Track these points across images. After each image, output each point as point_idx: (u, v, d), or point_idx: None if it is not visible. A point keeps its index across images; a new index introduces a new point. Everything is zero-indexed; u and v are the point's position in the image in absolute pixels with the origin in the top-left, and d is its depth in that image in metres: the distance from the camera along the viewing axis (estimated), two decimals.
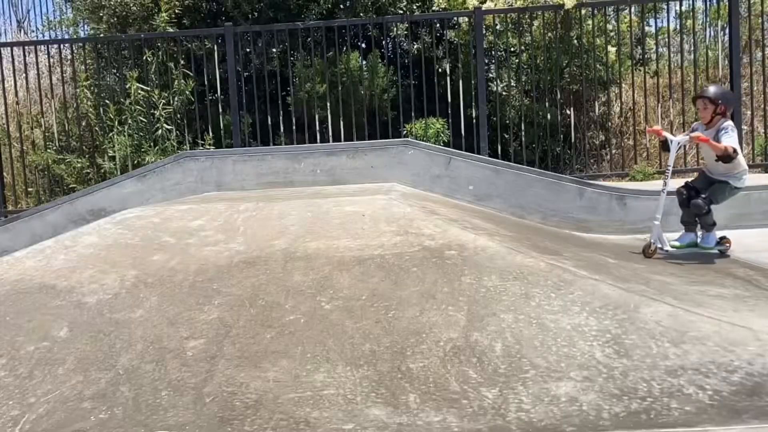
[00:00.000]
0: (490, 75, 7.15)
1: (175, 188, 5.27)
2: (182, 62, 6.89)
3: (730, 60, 6.62)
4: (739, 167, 4.30)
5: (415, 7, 7.60)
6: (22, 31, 11.31)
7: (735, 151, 4.17)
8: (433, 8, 7.39)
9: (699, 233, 4.43)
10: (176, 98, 6.86)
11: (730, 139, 4.15)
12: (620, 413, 2.40)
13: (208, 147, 6.77)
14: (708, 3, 7.14)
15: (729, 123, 4.27)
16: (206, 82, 7.12)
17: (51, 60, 7.63)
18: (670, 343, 2.77)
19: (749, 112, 6.93)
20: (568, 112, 6.98)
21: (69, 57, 7.15)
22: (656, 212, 4.34)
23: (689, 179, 4.63)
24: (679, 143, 4.32)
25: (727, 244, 4.43)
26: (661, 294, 3.21)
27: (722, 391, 2.47)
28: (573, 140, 6.97)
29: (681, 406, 2.41)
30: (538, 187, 5.09)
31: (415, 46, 7.31)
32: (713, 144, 4.13)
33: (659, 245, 4.31)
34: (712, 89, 4.35)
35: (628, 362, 2.69)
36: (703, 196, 4.29)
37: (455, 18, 7.21)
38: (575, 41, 6.87)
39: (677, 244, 4.40)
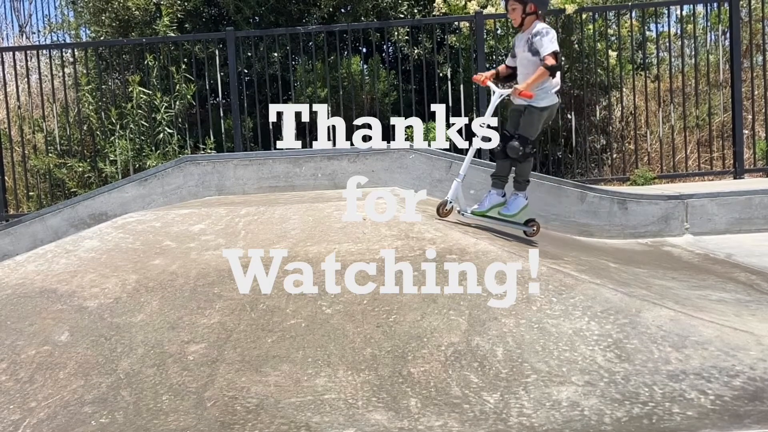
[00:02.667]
0: None
1: (177, 192, 5.27)
2: (184, 66, 6.90)
3: (731, 64, 6.62)
4: (549, 80, 3.96)
5: (416, 11, 7.62)
6: (24, 35, 11.34)
7: (557, 56, 3.87)
8: (434, 13, 7.40)
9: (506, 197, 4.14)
10: (178, 102, 6.87)
11: (547, 45, 3.84)
12: (622, 418, 2.39)
13: (209, 151, 6.77)
14: (709, 7, 7.15)
15: (542, 25, 3.95)
16: (207, 86, 7.14)
17: (53, 64, 7.63)
18: (672, 347, 2.77)
19: (750, 116, 6.93)
20: (569, 116, 6.98)
21: (71, 61, 7.17)
22: (461, 169, 4.05)
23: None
24: (501, 95, 4.01)
25: (534, 228, 4.18)
26: (663, 298, 3.20)
27: (724, 396, 2.47)
28: (574, 144, 6.97)
29: (683, 411, 2.40)
30: (539, 192, 5.08)
31: (416, 51, 7.32)
32: (535, 80, 3.84)
33: (457, 206, 4.06)
34: None
35: (630, 367, 2.68)
36: (516, 136, 3.98)
37: (456, 22, 7.23)
38: (576, 45, 6.88)
39: (479, 209, 4.13)
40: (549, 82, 3.99)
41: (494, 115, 4.19)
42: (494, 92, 4.00)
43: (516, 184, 4.16)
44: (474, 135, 4.08)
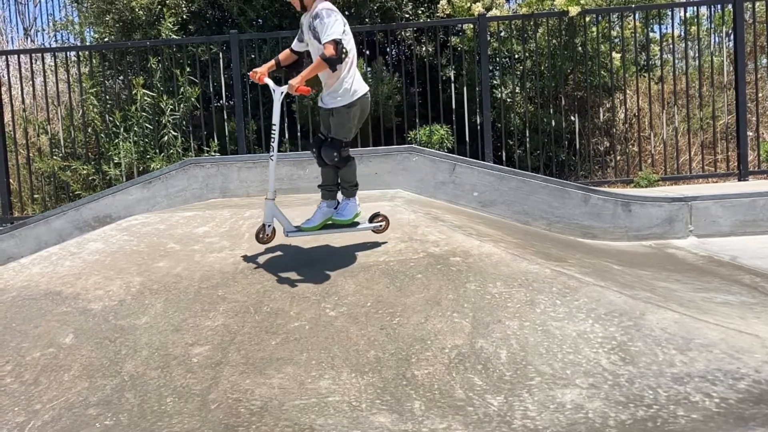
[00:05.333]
0: (495, 82, 7.16)
1: (181, 195, 5.28)
2: (188, 69, 6.91)
3: (735, 66, 6.60)
4: (342, 72, 3.46)
5: (420, 12, 7.62)
6: (29, 38, 11.39)
7: (338, 45, 3.31)
8: (438, 14, 7.40)
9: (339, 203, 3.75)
10: (182, 105, 6.88)
11: (326, 31, 3.31)
12: (626, 421, 2.39)
13: (213, 153, 6.78)
14: (713, 9, 7.14)
15: (324, 5, 3.42)
16: (211, 89, 7.15)
17: (57, 67, 7.66)
18: (677, 350, 2.76)
19: (754, 119, 6.91)
20: (572, 118, 6.97)
21: (74, 61, 7.19)
22: (269, 186, 3.59)
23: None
24: (282, 93, 3.51)
25: (383, 223, 3.80)
26: (667, 301, 3.20)
27: (729, 399, 2.46)
28: (578, 146, 6.96)
29: (687, 414, 2.40)
30: (543, 194, 5.08)
31: (423, 49, 7.32)
32: (309, 73, 3.39)
33: (281, 227, 3.65)
34: None
35: (634, 369, 2.68)
36: (329, 140, 3.57)
37: (460, 25, 7.23)
38: (580, 48, 6.87)
39: (308, 225, 3.68)
40: (344, 74, 3.47)
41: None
42: (274, 91, 3.53)
43: (344, 191, 3.73)
44: (272, 146, 3.60)
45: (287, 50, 3.76)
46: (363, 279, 3.47)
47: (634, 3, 7.09)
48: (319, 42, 3.36)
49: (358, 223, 3.76)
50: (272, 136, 3.55)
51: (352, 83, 3.51)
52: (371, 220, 3.80)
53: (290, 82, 3.37)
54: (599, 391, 2.57)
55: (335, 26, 3.33)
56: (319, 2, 3.45)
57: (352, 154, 3.66)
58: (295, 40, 3.70)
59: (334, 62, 3.33)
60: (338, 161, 3.57)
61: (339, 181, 3.72)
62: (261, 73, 3.60)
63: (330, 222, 3.71)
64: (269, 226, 3.65)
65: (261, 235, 3.68)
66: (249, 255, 3.86)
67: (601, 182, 6.53)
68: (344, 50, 3.33)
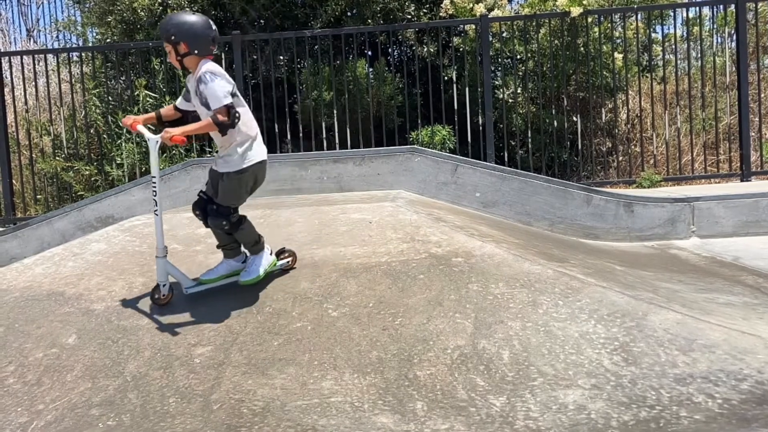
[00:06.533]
0: (497, 82, 7.16)
1: (183, 195, 5.29)
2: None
3: (738, 66, 6.60)
4: (236, 136, 3.22)
5: (422, 13, 7.63)
6: (32, 39, 11.42)
7: (228, 111, 3.09)
8: (441, 14, 7.41)
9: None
10: None
11: (214, 98, 3.09)
12: (629, 422, 2.38)
13: (214, 154, 6.79)
14: (715, 9, 7.13)
15: (208, 68, 3.18)
16: None
17: (59, 68, 7.69)
18: (679, 351, 2.76)
19: (757, 119, 6.90)
20: (574, 119, 6.98)
21: (76, 60, 7.20)
22: (158, 243, 3.29)
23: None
24: (157, 142, 3.22)
25: (289, 259, 3.61)
26: (670, 302, 3.19)
27: (732, 400, 2.46)
28: (580, 147, 6.96)
29: (690, 415, 2.40)
30: (545, 194, 5.08)
31: (425, 50, 7.32)
32: (196, 129, 3.18)
33: (172, 286, 3.37)
34: (162, 24, 3.25)
35: (637, 370, 2.67)
36: (215, 206, 3.33)
37: (462, 25, 7.23)
38: (582, 48, 6.87)
39: (208, 277, 3.42)
40: (239, 138, 3.24)
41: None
42: (149, 139, 3.25)
43: (248, 250, 3.47)
44: (155, 200, 3.30)
45: (171, 106, 3.49)
46: (365, 279, 3.47)
47: (636, 3, 7.09)
48: (208, 108, 3.14)
49: (280, 267, 3.57)
50: (153, 189, 3.29)
51: (247, 148, 3.27)
52: (278, 255, 3.56)
53: (169, 129, 3.11)
54: (602, 392, 2.57)
55: (221, 90, 3.12)
56: (202, 63, 3.20)
57: (242, 216, 3.39)
58: (180, 99, 3.44)
59: (226, 127, 3.12)
60: (228, 229, 3.33)
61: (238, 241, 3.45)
62: (135, 120, 3.33)
63: (235, 276, 3.46)
64: (164, 285, 3.34)
65: (156, 297, 3.36)
66: None
67: (603, 183, 6.53)
68: (237, 114, 3.12)
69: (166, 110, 3.45)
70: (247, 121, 3.26)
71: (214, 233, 3.45)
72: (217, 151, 3.40)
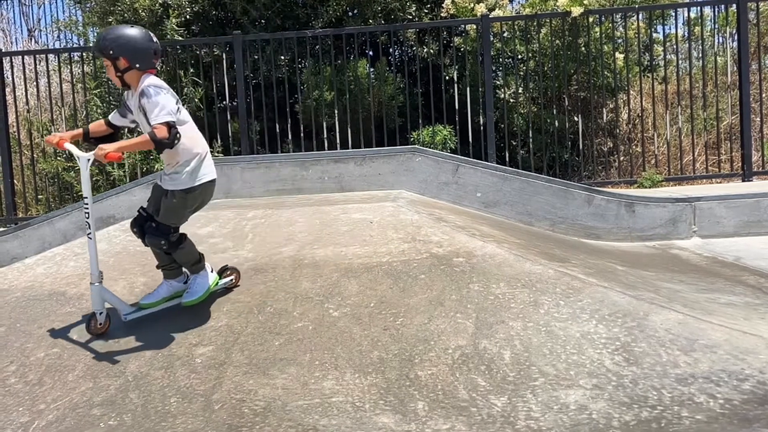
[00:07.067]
0: (498, 82, 7.16)
1: None
2: (191, 69, 6.93)
3: (739, 66, 6.59)
4: (182, 154, 3.10)
5: (423, 13, 7.63)
6: (33, 39, 11.42)
7: (171, 129, 2.95)
8: (442, 14, 7.41)
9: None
10: (185, 105, 6.89)
11: (156, 112, 2.94)
12: (630, 422, 2.38)
13: (216, 154, 6.79)
14: (716, 9, 7.12)
15: (150, 82, 3.04)
16: (215, 90, 7.16)
17: (60, 68, 7.69)
18: (680, 351, 2.76)
19: (758, 119, 6.89)
20: (575, 119, 6.97)
21: (79, 63, 7.21)
22: (92, 269, 3.15)
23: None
24: (89, 161, 3.08)
25: (232, 276, 3.51)
26: (671, 302, 3.19)
27: (733, 400, 2.46)
28: (581, 147, 6.96)
29: (692, 415, 2.39)
30: (546, 194, 5.07)
31: (425, 50, 7.32)
32: (131, 146, 3.12)
33: (109, 313, 3.23)
34: (98, 39, 3.10)
35: (638, 370, 2.67)
36: (154, 224, 3.19)
37: (463, 25, 7.23)
38: (583, 48, 6.87)
39: (148, 301, 3.31)
40: (188, 155, 3.13)
41: None
42: (78, 158, 3.10)
43: (188, 269, 3.36)
44: (88, 222, 3.14)
45: (101, 121, 3.35)
46: (366, 279, 3.47)
47: (637, 3, 7.08)
48: (149, 123, 2.99)
49: (225, 287, 3.48)
50: (86, 212, 3.12)
51: (196, 167, 3.16)
52: (221, 274, 3.46)
53: (103, 146, 2.95)
54: (603, 392, 2.56)
55: (167, 105, 2.99)
56: (144, 78, 3.06)
57: (181, 235, 3.26)
58: (115, 113, 3.31)
59: (164, 146, 2.97)
60: (167, 248, 3.20)
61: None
62: (62, 138, 3.17)
63: (177, 298, 3.35)
64: (101, 313, 3.18)
65: (93, 325, 3.20)
66: (252, 255, 3.86)
67: (604, 183, 6.52)
68: (177, 135, 2.97)
69: (95, 126, 3.32)
70: (193, 138, 3.16)
71: (153, 252, 3.33)
72: (163, 168, 3.28)
